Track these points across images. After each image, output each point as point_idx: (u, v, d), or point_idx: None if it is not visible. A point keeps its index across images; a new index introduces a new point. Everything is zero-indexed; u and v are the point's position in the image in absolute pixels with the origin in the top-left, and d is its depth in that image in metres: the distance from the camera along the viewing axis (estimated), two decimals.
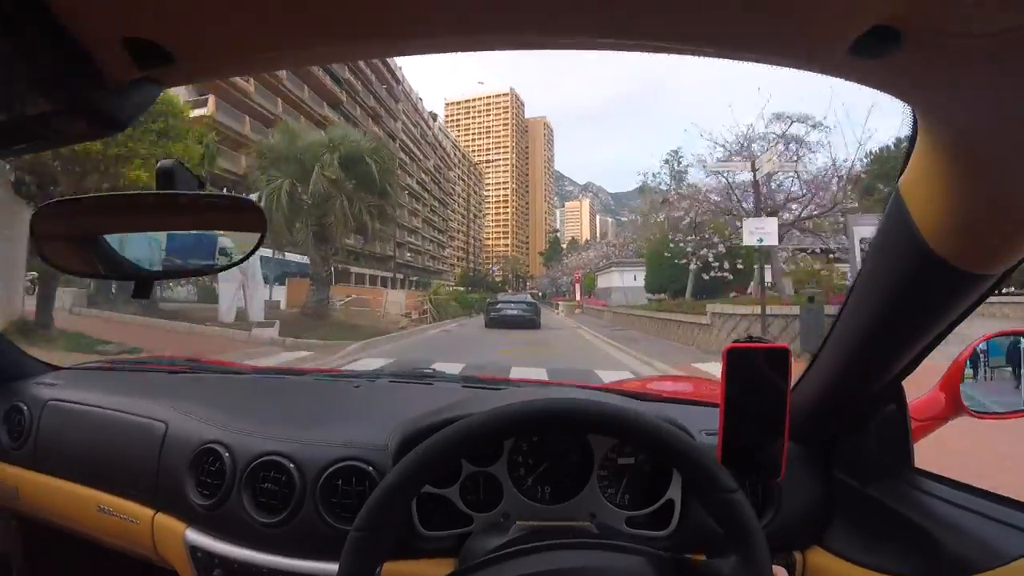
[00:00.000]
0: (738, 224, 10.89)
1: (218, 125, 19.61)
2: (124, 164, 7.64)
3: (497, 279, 78.70)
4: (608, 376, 6.17)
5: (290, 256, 16.91)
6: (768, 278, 11.03)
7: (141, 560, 0.96)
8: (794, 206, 12.75)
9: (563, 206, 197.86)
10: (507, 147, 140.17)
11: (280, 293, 17.73)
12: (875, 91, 0.33)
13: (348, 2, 0.28)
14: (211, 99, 21.46)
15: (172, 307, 14.00)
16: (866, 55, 0.29)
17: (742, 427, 0.65)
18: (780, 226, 10.43)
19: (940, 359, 0.74)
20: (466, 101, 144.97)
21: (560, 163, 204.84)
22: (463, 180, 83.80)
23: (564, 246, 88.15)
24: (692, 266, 14.14)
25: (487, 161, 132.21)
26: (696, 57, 0.31)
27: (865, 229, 8.29)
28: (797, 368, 0.69)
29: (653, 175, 21.54)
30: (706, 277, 13.85)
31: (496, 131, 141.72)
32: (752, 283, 12.70)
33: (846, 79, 0.33)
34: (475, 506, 0.78)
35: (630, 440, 0.65)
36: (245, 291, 11.60)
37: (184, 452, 0.88)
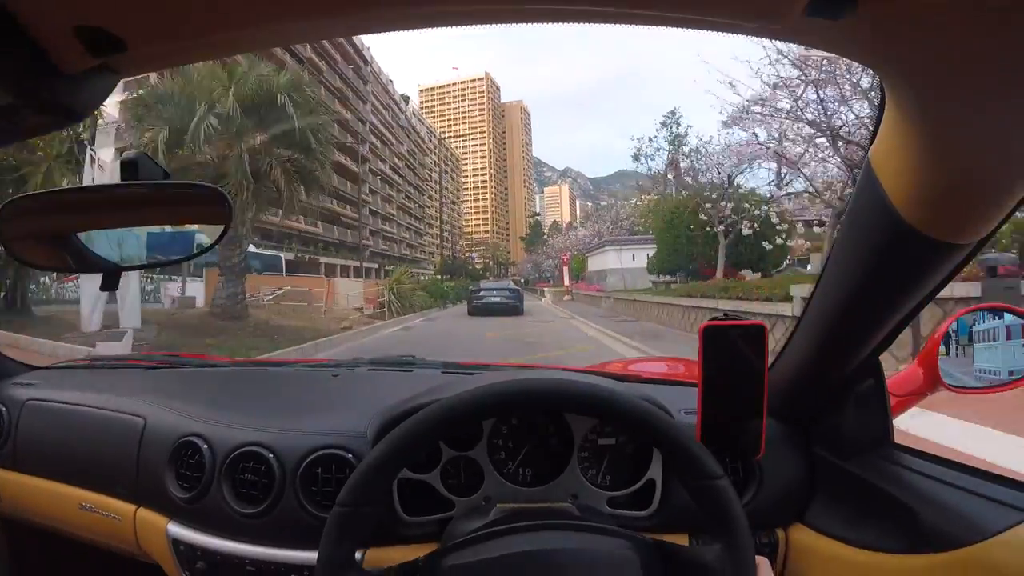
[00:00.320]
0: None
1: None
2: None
3: (478, 266, 76.79)
4: None
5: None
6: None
7: (125, 556, 0.97)
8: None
9: (542, 192, 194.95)
10: (484, 132, 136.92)
11: (198, 289, 14.15)
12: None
13: None
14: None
15: (46, 311, 10.75)
16: (822, 14, 0.28)
17: (721, 405, 0.65)
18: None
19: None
20: (440, 87, 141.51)
21: (538, 150, 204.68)
22: (439, 166, 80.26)
23: (546, 231, 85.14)
24: (723, 240, 11.16)
25: (463, 146, 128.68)
26: (648, 26, 0.30)
27: None
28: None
29: (649, 139, 19.09)
30: (742, 249, 10.84)
31: (472, 116, 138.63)
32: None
33: (806, 44, 0.32)
34: (456, 491, 0.79)
35: (609, 419, 0.68)
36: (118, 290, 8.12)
37: (163, 446, 0.88)
